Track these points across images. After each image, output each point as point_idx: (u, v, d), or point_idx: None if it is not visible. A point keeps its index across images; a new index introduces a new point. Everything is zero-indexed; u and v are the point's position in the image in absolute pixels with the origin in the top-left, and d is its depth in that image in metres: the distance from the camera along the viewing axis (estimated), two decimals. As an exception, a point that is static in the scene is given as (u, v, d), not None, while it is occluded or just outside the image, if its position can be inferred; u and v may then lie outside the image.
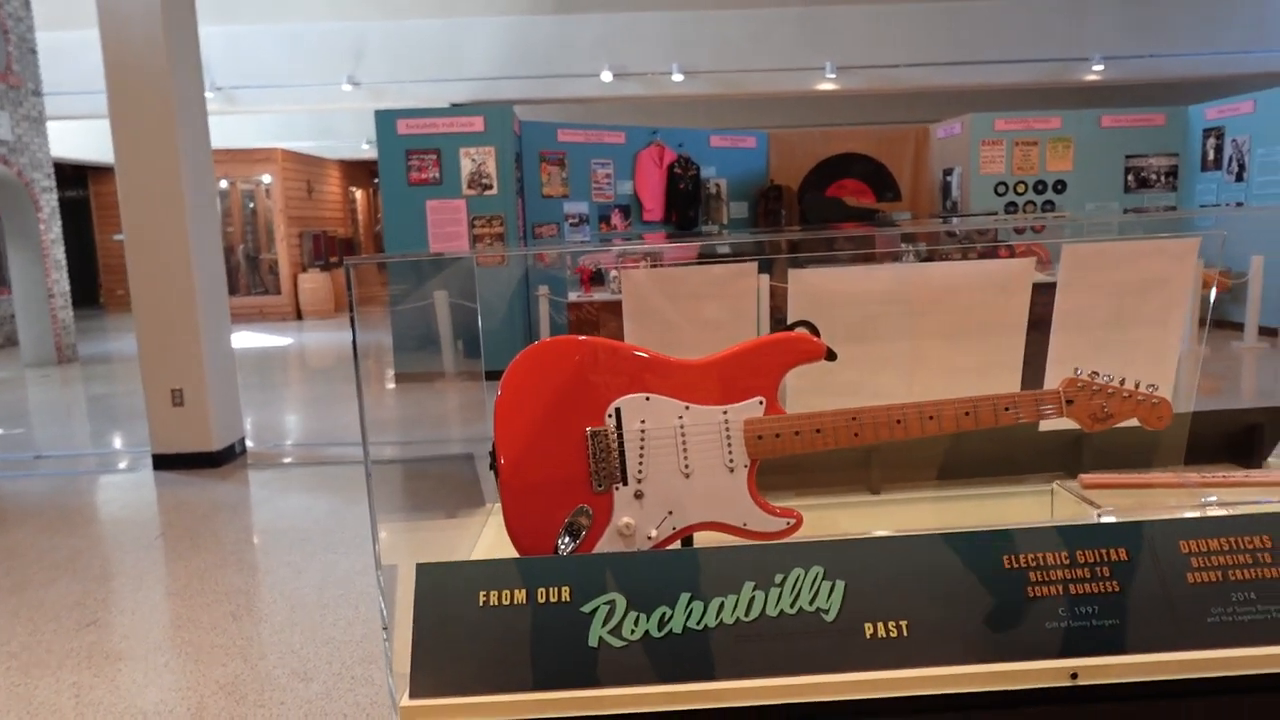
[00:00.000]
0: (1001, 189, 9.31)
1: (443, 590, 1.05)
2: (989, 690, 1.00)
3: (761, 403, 1.19)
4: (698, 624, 1.03)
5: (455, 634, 1.03)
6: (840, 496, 1.62)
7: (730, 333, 1.44)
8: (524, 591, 1.04)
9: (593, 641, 1.02)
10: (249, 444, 5.57)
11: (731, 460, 1.18)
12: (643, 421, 1.16)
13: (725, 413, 1.18)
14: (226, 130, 12.68)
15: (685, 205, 9.23)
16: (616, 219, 8.92)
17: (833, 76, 11.25)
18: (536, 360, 1.18)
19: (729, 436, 1.18)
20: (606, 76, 11.08)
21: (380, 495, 1.19)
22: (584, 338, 1.20)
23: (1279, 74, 10.22)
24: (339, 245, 14.63)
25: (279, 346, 11.00)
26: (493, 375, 1.28)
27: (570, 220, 8.49)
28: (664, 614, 1.03)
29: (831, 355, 1.23)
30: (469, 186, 7.32)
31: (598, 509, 1.15)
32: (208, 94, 10.72)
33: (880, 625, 1.03)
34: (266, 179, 13.05)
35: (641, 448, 1.16)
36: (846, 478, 1.65)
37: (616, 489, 1.15)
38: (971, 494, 1.53)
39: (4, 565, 3.73)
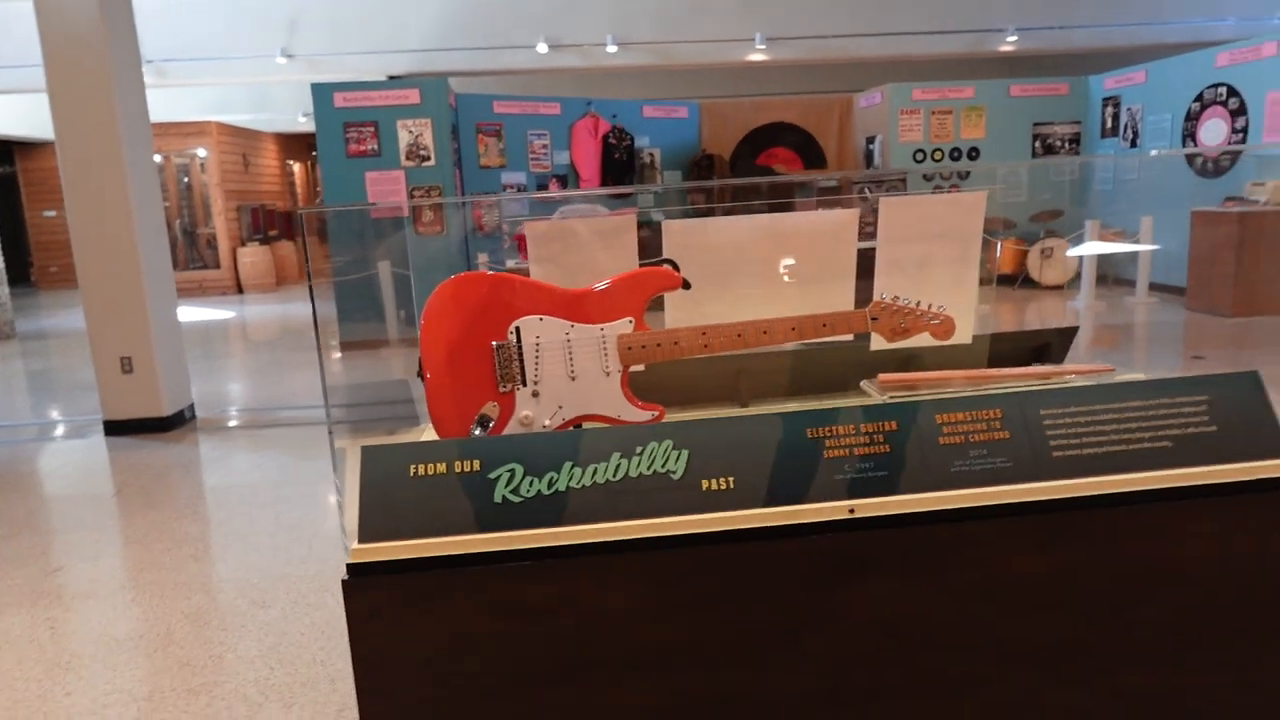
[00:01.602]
0: (920, 156, 9.78)
1: (382, 464, 1.37)
2: (791, 524, 1.36)
3: (631, 322, 1.53)
4: (577, 484, 1.37)
5: (392, 496, 1.35)
6: (715, 409, 1.97)
7: (615, 271, 1.77)
8: (445, 464, 1.37)
9: (497, 499, 1.35)
10: (198, 410, 5.77)
11: (608, 366, 1.52)
12: (538, 337, 1.49)
13: (603, 329, 1.52)
14: (159, 104, 12.52)
15: (620, 174, 9.52)
16: (554, 188, 9.18)
17: (763, 48, 11.58)
18: (453, 290, 1.51)
19: (605, 348, 1.52)
20: (542, 48, 11.25)
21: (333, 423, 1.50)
22: (491, 272, 1.52)
23: (1174, 45, 10.83)
24: (278, 218, 14.60)
25: (221, 319, 11.05)
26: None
27: (508, 189, 8.72)
28: (552, 477, 1.37)
29: (686, 285, 1.58)
30: (407, 158, 7.52)
31: (503, 405, 1.48)
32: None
33: (714, 481, 1.38)
34: (202, 153, 12.97)
35: (537, 357, 1.49)
36: (722, 394, 2.00)
37: (518, 389, 1.49)
38: (814, 403, 1.88)
39: (-34, 523, 3.93)
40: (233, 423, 5.64)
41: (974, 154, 9.87)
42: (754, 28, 11.40)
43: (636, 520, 1.35)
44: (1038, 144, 9.98)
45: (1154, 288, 8.50)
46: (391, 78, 10.70)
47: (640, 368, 1.80)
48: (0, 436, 5.61)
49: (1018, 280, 9.53)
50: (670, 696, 1.37)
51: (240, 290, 13.23)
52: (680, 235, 1.79)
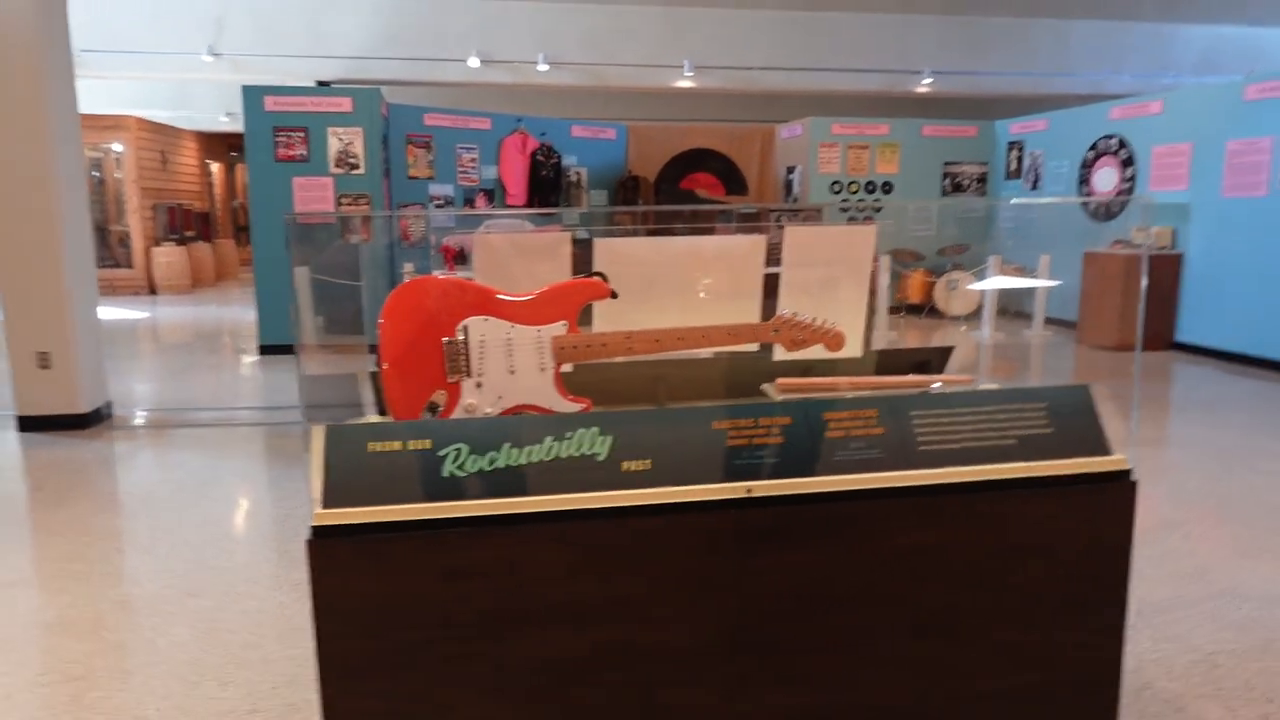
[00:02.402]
0: (836, 187, 10.28)
1: (343, 442, 1.55)
2: (698, 500, 1.60)
3: (565, 325, 1.75)
4: (515, 462, 1.58)
5: (352, 470, 1.54)
6: (638, 408, 2.20)
7: (551, 282, 1.99)
8: (399, 442, 1.56)
9: (445, 474, 1.55)
10: (115, 408, 5.72)
11: (543, 363, 1.73)
12: (482, 335, 1.70)
13: (539, 331, 1.73)
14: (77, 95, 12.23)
15: (547, 191, 9.73)
16: (481, 202, 9.33)
17: (690, 74, 11.98)
18: (409, 291, 1.70)
19: (542, 347, 1.73)
20: (474, 63, 11.41)
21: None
22: (443, 277, 1.73)
23: (1077, 95, 11.65)
24: (195, 219, 14.31)
25: (135, 320, 10.81)
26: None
27: (436, 201, 8.84)
28: (492, 456, 1.57)
29: (614, 295, 1.80)
30: (336, 165, 7.58)
31: (451, 394, 1.68)
32: (57, 58, 10.36)
33: (633, 463, 1.61)
34: (118, 148, 12.67)
35: (481, 353, 1.70)
36: (644, 396, 2.23)
37: (464, 380, 1.69)
38: (739, 404, 2.12)
39: (-124, 512, 3.88)
40: (149, 422, 5.62)
41: (888, 188, 10.41)
42: (683, 54, 11.80)
43: (565, 494, 1.57)
44: (947, 181, 10.59)
45: (1049, 321, 9.10)
46: (320, 83, 10.72)
47: (569, 367, 2.02)
48: (-96, 429, 5.46)
49: (924, 309, 10.07)
50: (591, 647, 1.59)
51: (153, 291, 12.93)
52: (609, 252, 2.02)
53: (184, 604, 3.00)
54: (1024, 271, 9.55)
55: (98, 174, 13.08)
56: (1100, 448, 1.76)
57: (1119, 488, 1.74)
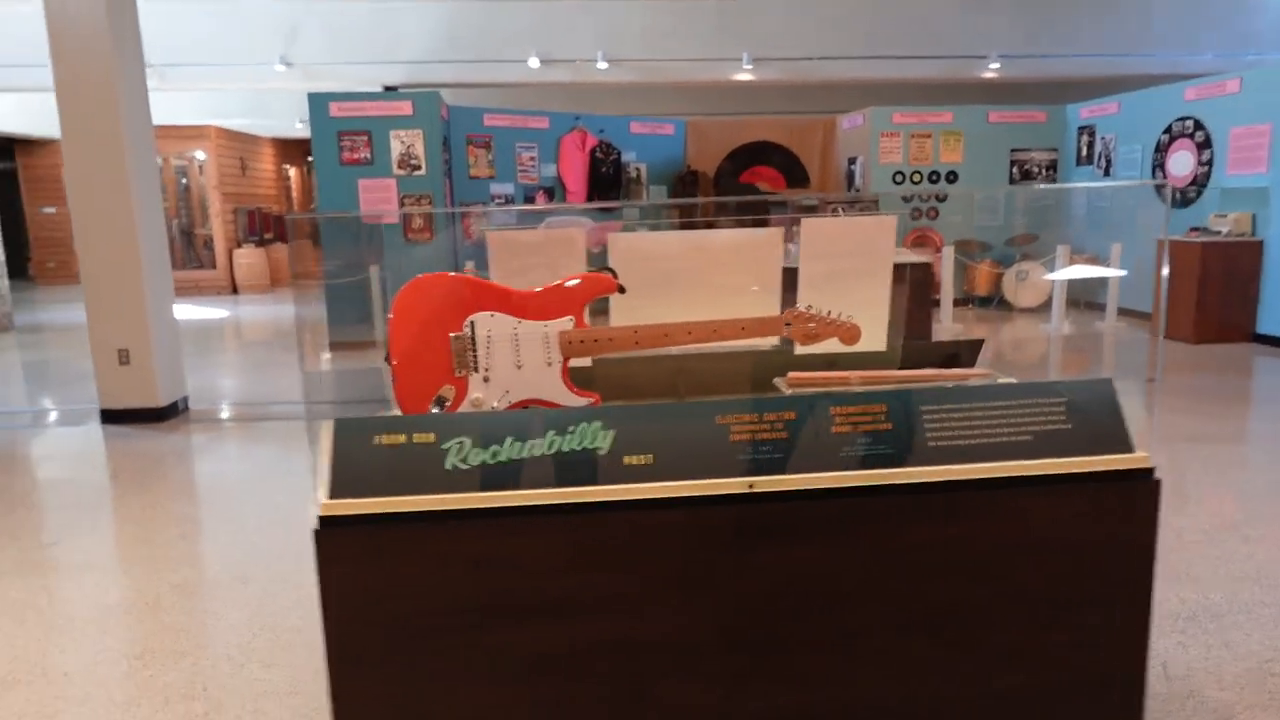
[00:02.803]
0: (899, 178, 10.08)
1: (350, 434, 1.60)
2: (698, 495, 1.60)
3: (571, 320, 1.77)
4: (517, 456, 1.61)
5: (358, 461, 1.59)
6: (658, 403, 2.21)
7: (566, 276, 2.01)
8: (404, 435, 1.61)
9: (448, 466, 1.59)
10: (192, 402, 5.98)
11: (550, 358, 1.76)
12: (489, 331, 1.74)
13: (546, 326, 1.76)
14: (160, 107, 12.74)
15: (607, 188, 9.79)
16: (541, 200, 9.44)
17: (749, 68, 11.89)
18: (418, 288, 1.75)
19: (548, 342, 1.76)
20: (534, 63, 11.54)
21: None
22: (451, 274, 1.77)
23: (1153, 76, 11.18)
24: (273, 222, 14.83)
25: (216, 319, 11.27)
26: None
27: (496, 200, 8.98)
28: (495, 450, 1.61)
29: (622, 290, 1.82)
30: (398, 167, 7.77)
31: (458, 388, 1.72)
32: (140, 70, 10.86)
33: (635, 457, 1.62)
34: (200, 156, 13.20)
35: (488, 348, 1.73)
36: (663, 391, 2.25)
37: (471, 375, 1.73)
38: (743, 399, 2.12)
39: (-34, 501, 4.14)
40: (225, 416, 5.86)
41: (952, 177, 10.17)
42: (741, 48, 11.71)
43: (567, 488, 1.59)
44: (1015, 169, 10.29)
45: (1122, 313, 8.78)
46: (386, 88, 10.97)
47: (586, 362, 2.05)
48: (1, 421, 5.82)
49: (993, 301, 9.82)
50: (590, 640, 1.61)
51: (235, 291, 13.45)
52: (624, 246, 2.04)
53: (237, 589, 3.13)
54: (1095, 261, 9.23)
55: (185, 181, 13.68)
56: (1122, 444, 1.70)
57: (1141, 487, 1.69)
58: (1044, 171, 10.21)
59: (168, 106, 12.91)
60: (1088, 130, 9.80)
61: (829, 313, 1.90)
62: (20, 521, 3.83)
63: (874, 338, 2.15)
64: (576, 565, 1.59)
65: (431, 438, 1.60)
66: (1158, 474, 1.69)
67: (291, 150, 17.20)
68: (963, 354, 2.31)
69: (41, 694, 2.49)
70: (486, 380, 1.73)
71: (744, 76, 12.11)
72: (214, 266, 13.29)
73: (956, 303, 9.19)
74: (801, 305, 1.95)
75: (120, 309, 5.30)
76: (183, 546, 3.52)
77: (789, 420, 1.67)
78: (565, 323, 1.77)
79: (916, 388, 1.78)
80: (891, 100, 10.81)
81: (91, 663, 2.65)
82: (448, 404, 1.71)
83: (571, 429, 1.63)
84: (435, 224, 7.71)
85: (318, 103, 7.68)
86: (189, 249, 13.29)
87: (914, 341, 2.28)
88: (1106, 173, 9.47)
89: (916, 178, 10.08)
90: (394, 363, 1.71)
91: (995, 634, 1.69)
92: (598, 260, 1.93)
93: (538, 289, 1.79)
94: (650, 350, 1.83)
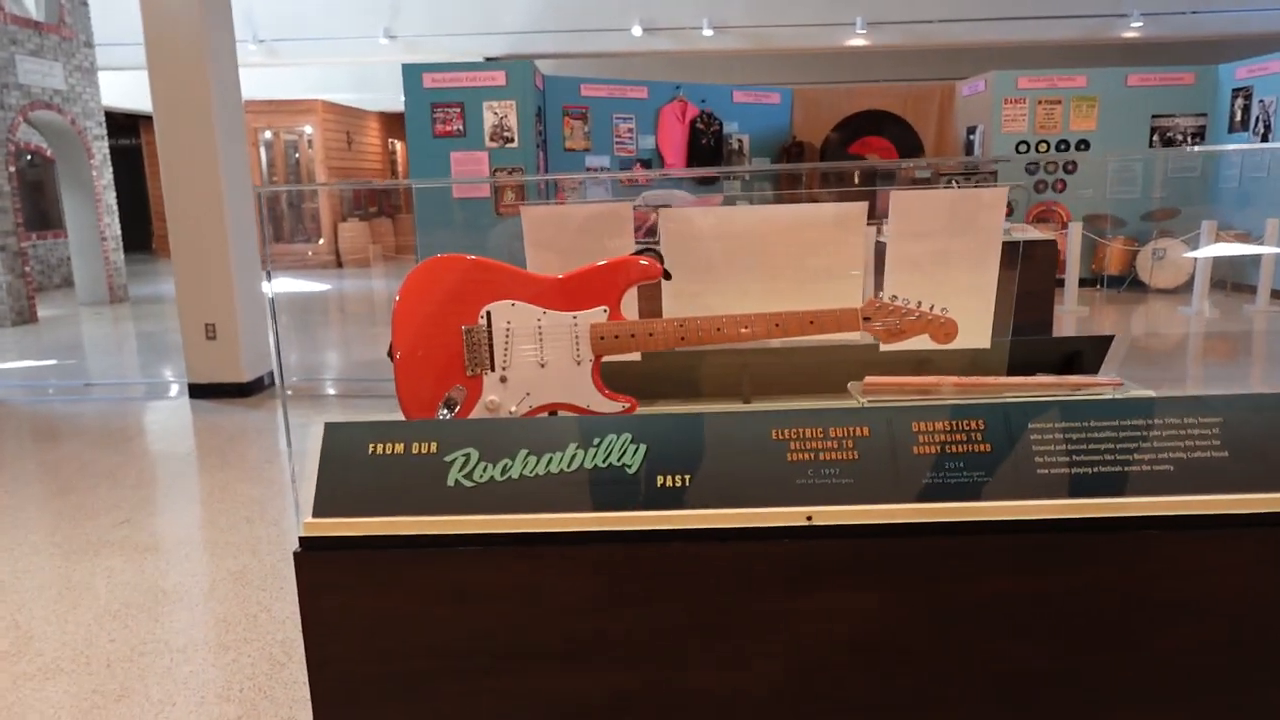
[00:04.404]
0: (1023, 148, 9.35)
1: (342, 442, 1.38)
2: (742, 527, 1.31)
3: (605, 311, 1.50)
4: (530, 472, 1.35)
5: (348, 473, 1.37)
6: (717, 404, 1.92)
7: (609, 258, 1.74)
8: (402, 445, 1.38)
9: (450, 482, 1.35)
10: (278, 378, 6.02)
11: (579, 355, 1.50)
12: (508, 322, 1.48)
13: (575, 318, 1.50)
14: (269, 82, 13.11)
15: (707, 160, 9.43)
16: (638, 173, 9.17)
17: (863, 32, 11.27)
18: (428, 273, 1.51)
19: (577, 336, 1.50)
20: (637, 31, 11.24)
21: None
22: (469, 257, 1.52)
23: (1319, 33, 10.02)
24: (378, 195, 15.07)
25: (318, 292, 11.51)
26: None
27: (592, 173, 8.76)
28: (506, 464, 1.36)
29: (667, 275, 1.54)
30: (491, 139, 7.63)
31: (471, 389, 1.48)
32: (251, 46, 11.13)
33: (669, 478, 1.34)
34: (308, 130, 13.48)
35: (507, 342, 1.48)
36: (725, 389, 1.96)
37: (485, 374, 1.48)
38: (814, 403, 1.81)
39: (54, 474, 4.21)
40: (313, 391, 5.86)
41: (1083, 146, 9.37)
42: (855, 11, 11.10)
43: (586, 513, 1.33)
44: (1156, 137, 9.39)
45: (1277, 295, 7.92)
46: (488, 59, 10.88)
47: (635, 356, 1.77)
48: (98, 394, 5.99)
49: (1125, 282, 9.03)
50: (609, 692, 1.35)
51: (340, 264, 13.74)
52: (678, 224, 1.75)
53: (291, 579, 3.00)
54: (1246, 239, 8.33)
55: (296, 155, 14.02)
56: (1298, 478, 1.32)
57: (1323, 534, 1.30)
58: (1189, 139, 9.29)
59: (277, 81, 13.23)
60: (1243, 92, 8.83)
61: (918, 304, 1.57)
62: (101, 498, 3.85)
63: (976, 333, 1.80)
64: (595, 605, 1.33)
65: (434, 448, 1.37)
66: (1347, 520, 1.31)
67: (396, 124, 17.42)
68: (1086, 353, 1.93)
69: (80, 685, 2.41)
70: (504, 380, 1.48)
71: (857, 42, 11.49)
72: (320, 239, 13.59)
73: (1083, 283, 8.46)
74: (886, 294, 1.62)
75: (208, 284, 5.33)
76: (245, 531, 3.45)
77: (860, 437, 1.36)
78: (598, 314, 1.50)
79: (1024, 400, 1.44)
80: (1017, 64, 10.02)
81: (136, 653, 2.57)
82: (458, 407, 1.47)
83: (597, 441, 1.36)
84: (528, 196, 7.55)
85: (411, 74, 7.60)
86: (297, 222, 13.63)
87: (1026, 338, 1.91)
88: (1264, 139, 8.52)
89: (1043, 148, 9.33)
90: (397, 356, 1.48)
91: (1104, 710, 1.35)
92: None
93: (564, 274, 1.52)
94: (700, 346, 1.54)
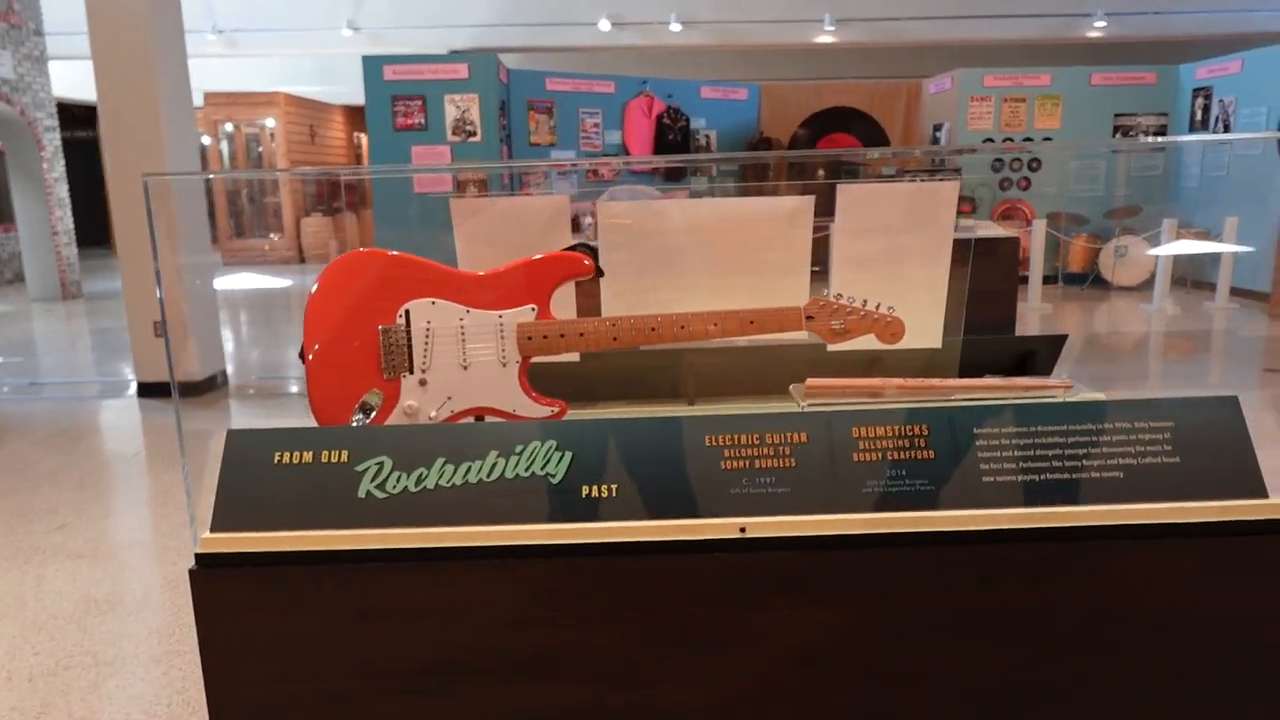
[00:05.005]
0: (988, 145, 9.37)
1: (245, 450, 1.29)
2: (672, 540, 1.24)
3: (534, 310, 1.42)
4: (448, 482, 1.27)
5: (252, 485, 1.27)
6: (660, 405, 1.85)
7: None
8: (310, 453, 1.29)
9: (361, 494, 1.26)
10: (233, 376, 5.86)
11: (504, 356, 1.41)
12: (429, 322, 1.40)
13: (501, 317, 1.41)
14: (230, 74, 12.85)
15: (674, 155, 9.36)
16: (601, 162, 9.07)
17: (832, 29, 11.24)
18: (344, 269, 1.42)
19: (503, 336, 1.41)
20: (605, 25, 11.13)
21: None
22: (389, 252, 1.43)
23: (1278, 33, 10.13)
24: (342, 190, 14.83)
25: (278, 288, 11.29)
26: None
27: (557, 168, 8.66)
28: (421, 474, 1.27)
29: (599, 273, 1.46)
30: (453, 133, 7.50)
31: (388, 392, 1.39)
32: (210, 37, 10.87)
33: (595, 487, 1.27)
34: (270, 123, 13.24)
35: (426, 343, 1.40)
36: (670, 390, 1.88)
37: (404, 377, 1.39)
38: (758, 405, 1.74)
39: (-10, 476, 4.05)
40: (266, 390, 5.72)
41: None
42: (823, 8, 11.07)
43: (507, 525, 1.25)
44: (1119, 136, 9.45)
45: (1236, 293, 7.98)
46: (454, 52, 10.72)
47: (574, 356, 1.69)
48: (44, 392, 5.80)
49: (1088, 279, 9.08)
50: (530, 713, 1.27)
51: (302, 259, 13.51)
52: (616, 218, 1.67)
53: (232, 587, 2.90)
54: (1206, 237, 8.40)
55: (259, 148, 13.76)
56: (1250, 486, 1.27)
57: (1272, 545, 1.26)
58: (1151, 138, 9.35)
59: (238, 73, 12.97)
60: (1203, 92, 8.90)
61: (864, 303, 1.50)
62: (39, 501, 3.70)
63: (927, 332, 1.74)
64: (516, 621, 1.25)
65: (344, 457, 1.28)
66: (1300, 528, 1.26)
67: (361, 117, 17.14)
68: (1041, 352, 1.88)
69: (-2, 702, 2.29)
70: (423, 384, 1.40)
71: (825, 39, 11.47)
72: (281, 234, 13.36)
73: (1046, 280, 8.49)
74: (833, 292, 1.55)
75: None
76: (186, 536, 3.32)
77: (798, 444, 1.29)
78: (526, 312, 1.42)
79: (970, 403, 1.38)
80: (983, 62, 10.03)
81: (61, 667, 2.45)
82: (374, 413, 1.38)
83: (519, 449, 1.28)
84: (490, 189, 7.43)
85: (372, 66, 7.46)
86: (258, 217, 13.39)
87: (979, 337, 1.85)
88: (1222, 139, 8.60)
89: (1008, 145, 9.35)
90: (309, 358, 1.38)
91: (1067, 731, 1.29)
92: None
93: (489, 270, 1.44)
94: (633, 347, 1.46)
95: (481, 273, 1.43)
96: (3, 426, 4.91)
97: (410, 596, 1.25)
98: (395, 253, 1.43)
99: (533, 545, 1.25)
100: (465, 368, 1.40)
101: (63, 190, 9.89)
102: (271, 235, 13.30)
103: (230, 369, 5.86)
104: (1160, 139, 9.37)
